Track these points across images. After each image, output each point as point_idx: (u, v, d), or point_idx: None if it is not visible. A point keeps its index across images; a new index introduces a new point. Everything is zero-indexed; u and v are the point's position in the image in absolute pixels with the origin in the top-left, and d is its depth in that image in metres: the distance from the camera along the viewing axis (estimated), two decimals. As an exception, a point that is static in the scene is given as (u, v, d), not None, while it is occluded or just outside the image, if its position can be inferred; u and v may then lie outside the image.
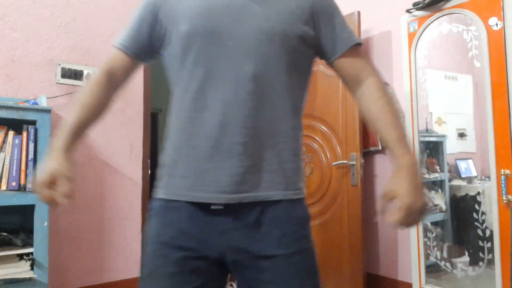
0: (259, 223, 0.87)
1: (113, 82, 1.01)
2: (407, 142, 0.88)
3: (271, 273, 0.85)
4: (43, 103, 2.18)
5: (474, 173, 2.29)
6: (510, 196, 1.77)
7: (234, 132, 0.86)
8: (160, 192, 0.93)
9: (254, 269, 0.86)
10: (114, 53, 1.01)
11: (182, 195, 0.88)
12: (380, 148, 2.45)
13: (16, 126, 1.98)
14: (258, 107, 0.87)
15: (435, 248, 2.19)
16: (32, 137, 1.99)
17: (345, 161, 2.42)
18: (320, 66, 2.53)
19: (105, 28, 2.70)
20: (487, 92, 1.86)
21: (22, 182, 1.96)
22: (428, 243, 2.18)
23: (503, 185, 1.79)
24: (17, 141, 1.98)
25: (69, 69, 2.53)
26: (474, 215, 2.07)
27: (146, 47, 0.99)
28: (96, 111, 0.98)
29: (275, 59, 0.89)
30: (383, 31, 2.52)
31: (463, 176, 2.32)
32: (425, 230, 2.17)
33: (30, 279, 1.85)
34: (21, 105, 2.02)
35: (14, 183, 1.94)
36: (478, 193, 2.11)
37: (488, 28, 1.88)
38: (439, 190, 2.34)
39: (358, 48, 0.97)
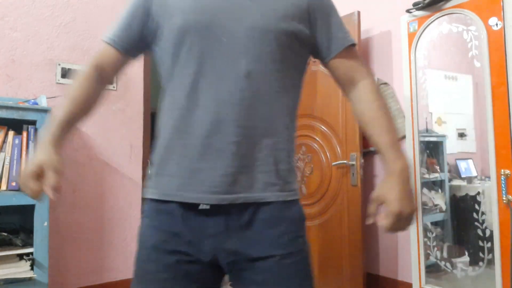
0: (252, 224, 0.84)
1: (102, 77, 0.99)
2: (399, 147, 0.88)
3: (266, 274, 0.83)
4: (43, 103, 2.18)
5: (474, 173, 2.28)
6: (510, 196, 1.77)
7: (227, 131, 0.83)
8: (150, 192, 0.90)
9: (249, 271, 0.84)
10: (104, 47, 0.99)
11: (172, 195, 0.86)
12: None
13: (16, 126, 1.98)
14: (252, 106, 0.84)
15: (435, 248, 2.19)
16: (32, 137, 1.99)
17: (345, 161, 2.42)
18: (320, 66, 2.53)
19: (105, 28, 2.69)
20: (487, 92, 1.86)
21: (22, 182, 1.96)
22: (428, 243, 2.17)
23: (503, 185, 1.79)
24: (17, 141, 1.98)
25: (69, 69, 2.53)
26: (474, 215, 2.07)
27: (137, 42, 0.97)
28: (85, 105, 0.97)
29: (270, 56, 0.86)
30: (383, 31, 2.52)
31: (463, 176, 2.32)
32: (425, 230, 2.17)
33: (30, 279, 1.85)
34: (21, 105, 2.02)
35: (14, 183, 1.94)
36: (478, 193, 2.10)
37: (488, 28, 1.88)
38: (439, 190, 2.34)
39: (354, 49, 0.96)
